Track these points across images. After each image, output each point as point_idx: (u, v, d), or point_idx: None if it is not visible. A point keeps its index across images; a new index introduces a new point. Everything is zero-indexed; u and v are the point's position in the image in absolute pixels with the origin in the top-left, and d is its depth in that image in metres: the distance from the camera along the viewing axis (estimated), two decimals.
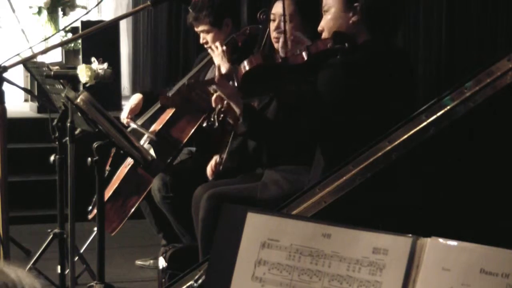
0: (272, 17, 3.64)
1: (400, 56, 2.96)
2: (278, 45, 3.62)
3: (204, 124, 3.05)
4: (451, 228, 2.05)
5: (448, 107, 1.92)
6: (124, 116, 4.25)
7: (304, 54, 2.79)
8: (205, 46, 4.18)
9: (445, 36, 3.38)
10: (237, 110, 2.83)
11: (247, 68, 2.80)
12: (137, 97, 4.33)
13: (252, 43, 3.99)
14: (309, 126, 2.74)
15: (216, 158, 3.84)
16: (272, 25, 3.63)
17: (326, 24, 2.83)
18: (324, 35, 2.83)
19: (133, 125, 4.18)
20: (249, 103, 2.89)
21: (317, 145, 2.89)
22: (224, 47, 4.01)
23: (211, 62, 4.18)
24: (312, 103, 2.71)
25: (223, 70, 3.91)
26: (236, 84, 2.83)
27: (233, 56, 4.08)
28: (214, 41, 4.11)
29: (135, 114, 4.33)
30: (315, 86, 2.71)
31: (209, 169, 3.88)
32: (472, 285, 1.42)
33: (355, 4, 2.76)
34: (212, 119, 3.04)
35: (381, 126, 2.09)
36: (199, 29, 4.18)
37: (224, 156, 3.81)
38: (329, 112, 2.67)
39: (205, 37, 4.16)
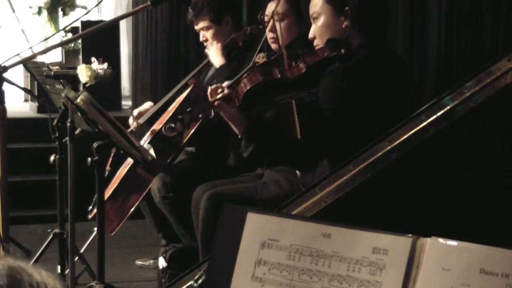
0: (266, 18, 3.64)
1: (395, 56, 2.96)
2: (274, 46, 3.63)
3: (200, 115, 3.04)
4: (451, 228, 2.05)
5: (448, 107, 1.92)
6: (132, 120, 4.29)
7: (301, 65, 2.77)
8: (205, 44, 4.18)
9: (444, 36, 3.39)
10: (238, 132, 2.81)
11: (247, 87, 2.80)
12: (149, 104, 4.37)
13: (252, 43, 3.99)
14: (318, 138, 2.72)
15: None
16: (267, 26, 3.63)
17: (317, 31, 2.80)
18: (317, 42, 2.81)
19: (141, 121, 4.22)
20: (256, 127, 2.86)
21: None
22: (219, 44, 4.02)
23: (209, 63, 4.19)
24: (317, 114, 2.69)
25: (216, 64, 3.89)
26: (237, 104, 2.83)
27: (232, 53, 4.09)
28: (214, 38, 4.11)
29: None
30: (317, 97, 2.70)
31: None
32: (472, 285, 1.42)
33: (346, 8, 2.73)
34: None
35: (385, 127, 2.08)
36: (198, 26, 4.17)
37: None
38: (334, 120, 2.66)
39: (205, 35, 4.16)
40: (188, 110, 2.87)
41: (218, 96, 2.82)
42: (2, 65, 3.45)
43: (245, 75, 2.92)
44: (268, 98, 2.90)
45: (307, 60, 2.75)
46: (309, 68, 2.74)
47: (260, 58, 3.51)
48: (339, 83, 2.65)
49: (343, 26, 2.74)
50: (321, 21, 2.78)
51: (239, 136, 2.80)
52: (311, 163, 2.79)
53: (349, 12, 2.72)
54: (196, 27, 4.20)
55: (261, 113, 3.36)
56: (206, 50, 4.19)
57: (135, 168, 3.99)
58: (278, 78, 2.78)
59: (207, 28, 4.14)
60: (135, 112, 4.35)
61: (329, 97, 2.64)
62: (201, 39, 4.20)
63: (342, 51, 2.72)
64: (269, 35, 3.63)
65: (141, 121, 4.27)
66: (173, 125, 2.89)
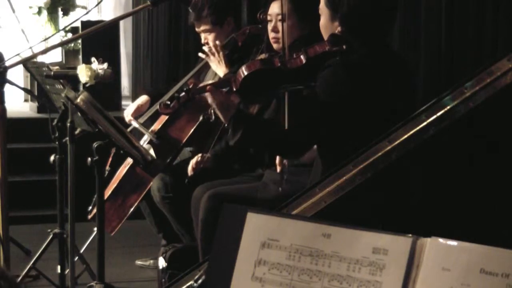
0: (268, 18, 3.64)
1: (397, 57, 2.96)
2: (276, 46, 3.62)
3: (201, 118, 3.04)
4: (451, 228, 2.05)
5: (448, 107, 1.92)
6: (128, 113, 4.28)
7: (302, 57, 2.77)
8: (206, 46, 4.17)
9: (444, 36, 3.39)
10: (224, 120, 2.80)
11: (245, 73, 2.78)
12: (144, 98, 4.35)
13: (252, 43, 3.98)
14: (309, 129, 2.73)
15: (198, 156, 3.88)
16: (269, 26, 3.63)
17: (320, 27, 2.84)
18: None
19: (135, 124, 4.20)
20: (243, 114, 2.86)
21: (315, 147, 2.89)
22: (221, 53, 4.00)
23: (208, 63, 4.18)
24: (312, 106, 2.70)
25: (220, 74, 3.91)
26: (234, 89, 2.82)
27: (234, 55, 4.08)
28: (215, 40, 4.10)
29: (139, 114, 4.38)
30: (314, 90, 2.70)
31: (190, 168, 3.91)
32: (472, 285, 1.42)
33: (338, 15, 2.75)
34: (209, 113, 3.03)
35: (381, 127, 2.08)
36: (200, 29, 4.16)
37: (206, 155, 3.84)
38: (329, 113, 2.66)
39: (207, 37, 4.15)
40: (185, 89, 2.87)
41: (213, 80, 2.82)
42: (2, 65, 3.46)
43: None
44: (266, 87, 2.88)
45: (309, 52, 2.76)
46: (310, 61, 2.75)
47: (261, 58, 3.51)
48: (338, 76, 2.65)
49: (336, 31, 2.76)
50: (321, 20, 2.81)
51: (226, 125, 2.79)
52: (297, 152, 2.80)
53: (339, 20, 2.74)
54: (198, 30, 4.19)
55: (256, 101, 3.35)
56: (200, 54, 4.16)
57: (135, 168, 3.99)
58: (278, 67, 2.78)
59: (209, 31, 4.13)
60: (132, 107, 4.33)
61: (327, 88, 2.65)
62: (202, 41, 4.19)
63: (344, 47, 2.72)
64: (271, 35, 3.63)
65: (140, 120, 4.27)
66: (169, 103, 2.87)
